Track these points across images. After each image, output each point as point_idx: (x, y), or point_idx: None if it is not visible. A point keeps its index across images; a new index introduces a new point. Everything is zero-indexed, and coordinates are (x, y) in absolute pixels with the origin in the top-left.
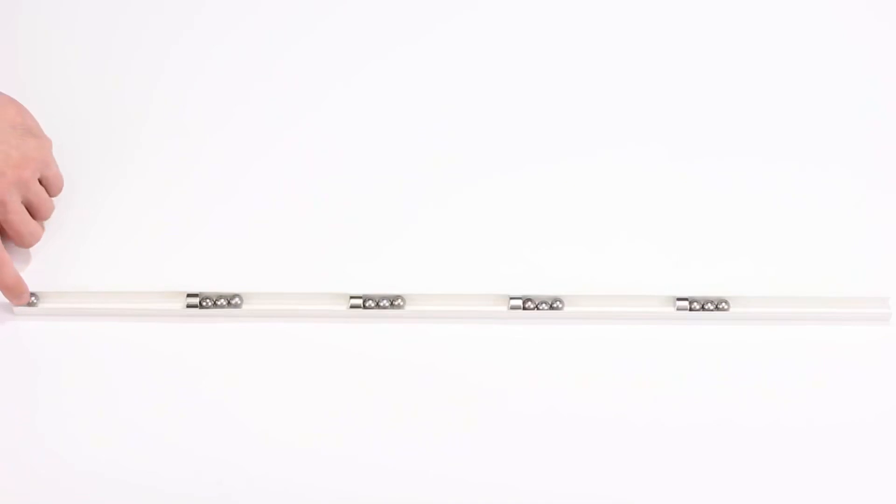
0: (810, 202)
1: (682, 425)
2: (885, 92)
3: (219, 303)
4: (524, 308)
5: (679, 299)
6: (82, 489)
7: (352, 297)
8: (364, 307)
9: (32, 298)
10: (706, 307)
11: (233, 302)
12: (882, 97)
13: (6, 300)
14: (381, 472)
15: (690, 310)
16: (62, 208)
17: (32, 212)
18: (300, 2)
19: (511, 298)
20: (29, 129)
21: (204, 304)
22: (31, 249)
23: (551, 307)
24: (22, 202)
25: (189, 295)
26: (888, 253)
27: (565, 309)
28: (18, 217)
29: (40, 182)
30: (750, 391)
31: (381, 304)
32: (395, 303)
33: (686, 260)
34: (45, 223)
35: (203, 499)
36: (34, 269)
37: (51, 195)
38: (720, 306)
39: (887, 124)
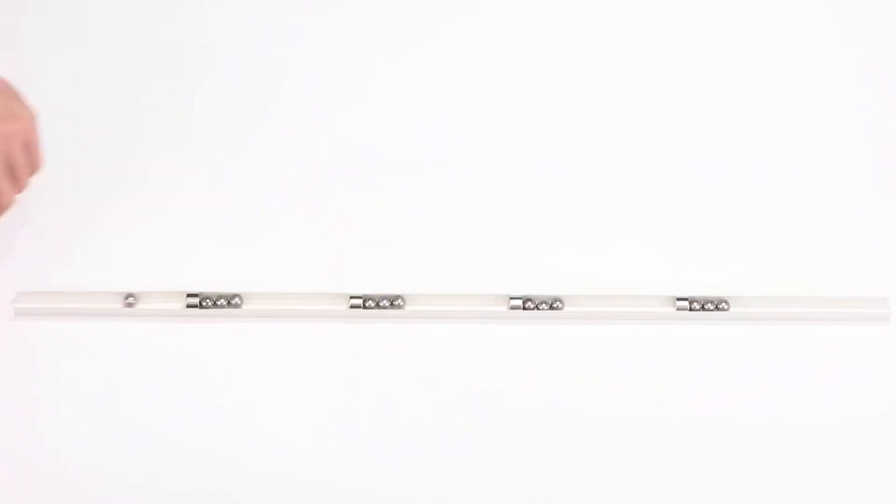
0: (810, 202)
1: (681, 425)
2: (885, 92)
3: (219, 303)
4: (524, 308)
5: (679, 299)
6: (82, 489)
7: (352, 297)
8: (364, 307)
9: (130, 299)
10: (706, 307)
11: (233, 302)
12: (882, 97)
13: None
14: (380, 472)
15: (690, 310)
16: (63, 207)
17: (10, 178)
18: (302, 2)
19: (511, 298)
20: (15, 96)
21: (204, 304)
22: (28, 249)
23: (551, 307)
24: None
25: (189, 295)
26: (888, 253)
27: (565, 309)
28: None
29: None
30: (750, 391)
31: (381, 304)
32: (395, 303)
33: (685, 260)
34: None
35: (202, 498)
36: (32, 269)
37: (30, 169)
38: (720, 306)
39: (887, 124)
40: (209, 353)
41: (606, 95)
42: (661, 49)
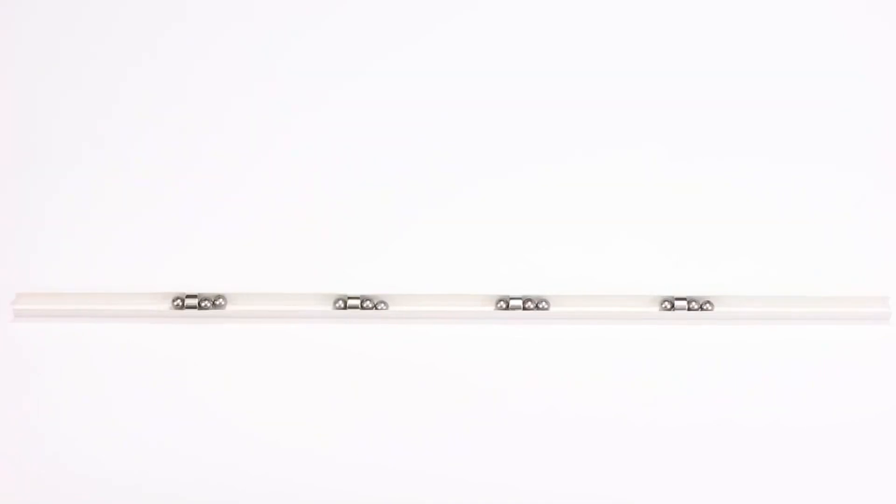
0: (810, 202)
1: (670, 425)
2: (885, 92)
3: (203, 304)
4: (510, 308)
5: (677, 299)
6: (81, 489)
7: (337, 298)
8: (349, 308)
9: (220, 301)
10: (704, 307)
11: (217, 303)
12: (882, 97)
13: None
14: (364, 471)
15: (692, 310)
16: (49, 210)
17: None
18: (298, 2)
19: (498, 299)
20: None
21: (188, 304)
22: (28, 250)
23: (537, 307)
24: None
25: (175, 297)
26: (888, 253)
27: (552, 309)
28: None
29: None
30: (749, 391)
31: (367, 304)
32: (381, 303)
33: (678, 260)
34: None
35: (191, 497)
36: (32, 270)
37: None
38: (704, 306)
39: (887, 124)
40: (194, 354)
41: (591, 98)
42: (653, 48)
